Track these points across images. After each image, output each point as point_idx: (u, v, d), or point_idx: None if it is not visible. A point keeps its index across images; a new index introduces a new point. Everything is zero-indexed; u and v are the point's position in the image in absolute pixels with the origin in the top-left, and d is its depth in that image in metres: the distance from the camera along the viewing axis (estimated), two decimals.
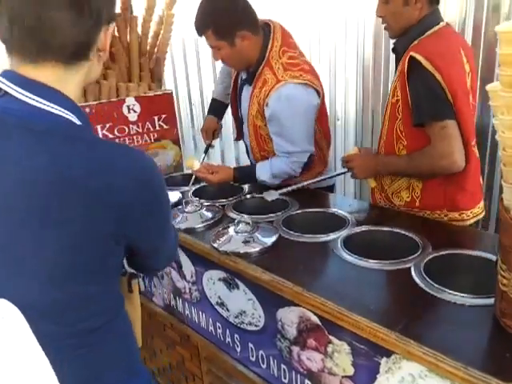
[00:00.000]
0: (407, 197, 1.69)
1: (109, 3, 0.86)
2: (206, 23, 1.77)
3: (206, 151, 2.40)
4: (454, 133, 1.48)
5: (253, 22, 1.82)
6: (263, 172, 1.93)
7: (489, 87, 0.87)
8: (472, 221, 1.67)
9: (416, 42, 1.54)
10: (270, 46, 1.84)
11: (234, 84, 2.16)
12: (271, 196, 1.77)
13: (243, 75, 2.04)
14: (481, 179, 1.71)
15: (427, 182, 1.62)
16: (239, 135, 2.29)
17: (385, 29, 1.67)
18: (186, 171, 2.39)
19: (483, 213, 1.73)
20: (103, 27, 0.84)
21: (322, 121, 2.04)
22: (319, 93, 1.89)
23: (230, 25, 1.77)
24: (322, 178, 1.90)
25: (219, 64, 3.67)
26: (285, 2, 2.92)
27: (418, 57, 1.46)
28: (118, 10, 2.33)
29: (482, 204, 1.71)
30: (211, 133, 2.39)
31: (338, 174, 1.94)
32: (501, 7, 2.17)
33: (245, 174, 1.98)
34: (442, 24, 1.58)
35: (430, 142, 1.52)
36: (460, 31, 2.28)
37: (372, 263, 1.29)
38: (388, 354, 1.05)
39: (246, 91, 2.01)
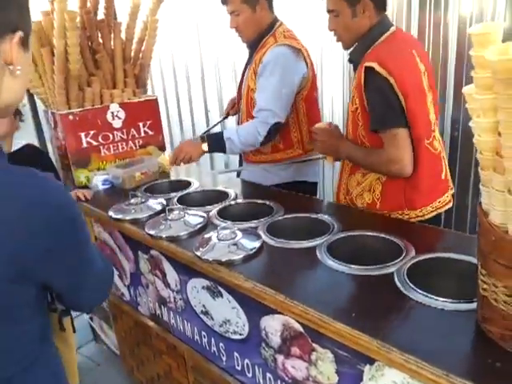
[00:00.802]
0: (368, 199, 1.71)
1: (8, 6, 0.71)
2: None
3: (224, 119, 2.68)
4: (404, 140, 1.54)
5: None
6: (229, 132, 2.07)
7: (465, 90, 0.86)
8: (432, 214, 1.68)
9: (369, 51, 1.59)
10: (278, 24, 2.10)
11: (242, 77, 2.30)
12: (220, 171, 1.87)
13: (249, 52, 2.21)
14: (443, 172, 1.72)
15: (386, 184, 1.66)
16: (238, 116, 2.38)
17: (337, 41, 1.72)
18: (172, 178, 2.37)
19: (448, 205, 1.73)
20: (6, 36, 0.71)
21: (310, 106, 2.15)
22: (309, 67, 2.07)
23: None
24: (292, 161, 2.04)
25: (207, 70, 3.71)
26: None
27: (372, 64, 1.50)
28: (101, 15, 2.32)
29: (445, 197, 1.71)
30: (233, 104, 2.52)
31: (310, 159, 2.05)
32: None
33: (213, 137, 2.11)
34: (391, 29, 1.63)
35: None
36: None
37: (354, 269, 1.27)
38: (371, 361, 1.04)
39: (248, 68, 2.17)
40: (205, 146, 2.09)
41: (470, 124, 0.88)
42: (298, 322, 1.20)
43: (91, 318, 2.80)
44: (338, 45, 2.69)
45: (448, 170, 1.76)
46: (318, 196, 2.52)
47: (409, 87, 1.51)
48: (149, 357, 2.10)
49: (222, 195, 1.99)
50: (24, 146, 2.17)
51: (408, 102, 1.50)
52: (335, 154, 1.79)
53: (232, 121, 2.73)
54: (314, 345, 1.19)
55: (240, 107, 2.28)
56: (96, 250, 0.94)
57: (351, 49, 1.72)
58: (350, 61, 1.75)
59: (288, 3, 2.82)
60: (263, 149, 2.18)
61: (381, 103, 1.53)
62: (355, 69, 1.70)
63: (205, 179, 2.38)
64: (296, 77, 2.02)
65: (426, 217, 1.66)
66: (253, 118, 2.11)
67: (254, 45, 2.13)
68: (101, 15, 2.33)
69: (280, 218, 1.68)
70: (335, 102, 2.91)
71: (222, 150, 2.09)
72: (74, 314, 2.80)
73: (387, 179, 1.66)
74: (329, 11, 1.64)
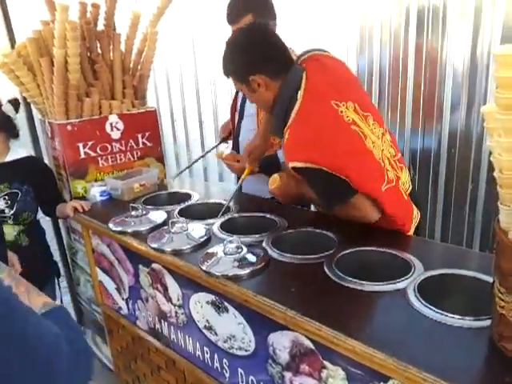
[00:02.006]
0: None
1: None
2: (248, 7, 1.93)
3: (218, 144, 2.60)
4: (362, 203, 1.54)
5: (276, 14, 2.05)
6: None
7: (484, 109, 0.87)
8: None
9: (286, 136, 1.53)
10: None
11: (237, 92, 2.28)
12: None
13: None
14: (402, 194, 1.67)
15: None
16: (234, 142, 2.35)
17: None
18: (171, 189, 2.35)
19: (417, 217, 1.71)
20: None
21: None
22: None
23: (268, 14, 1.98)
24: None
25: (201, 81, 3.71)
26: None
27: (299, 165, 1.48)
28: (101, 26, 2.31)
29: (415, 212, 1.69)
30: (228, 130, 2.47)
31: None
32: None
33: (268, 160, 2.05)
34: (300, 93, 1.51)
35: None
36: None
37: (364, 284, 1.26)
38: (385, 379, 1.03)
39: None
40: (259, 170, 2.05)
41: (488, 143, 0.89)
42: (308, 338, 1.18)
43: (84, 331, 2.75)
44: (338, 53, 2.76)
45: (404, 189, 1.67)
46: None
47: (346, 162, 1.46)
48: (146, 373, 2.06)
49: (222, 208, 1.97)
50: (24, 158, 2.13)
51: (352, 178, 1.47)
52: (296, 200, 1.82)
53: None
54: (324, 362, 1.17)
55: (241, 125, 2.25)
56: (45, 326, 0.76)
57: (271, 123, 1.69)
58: (273, 134, 1.77)
59: (283, 13, 2.84)
60: None
61: (325, 188, 1.55)
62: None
63: (203, 191, 2.37)
64: None
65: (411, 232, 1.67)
66: (272, 144, 2.07)
67: None
68: (100, 26, 2.31)
69: (284, 231, 1.67)
70: None
71: (276, 171, 2.01)
72: None
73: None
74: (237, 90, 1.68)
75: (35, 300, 0.93)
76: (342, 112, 1.50)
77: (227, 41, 1.62)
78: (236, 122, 2.31)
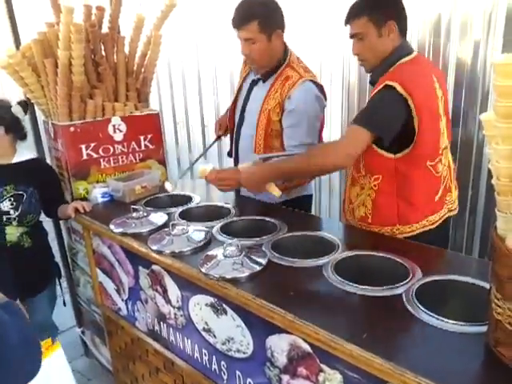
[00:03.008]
0: (362, 212, 1.75)
1: None
2: (253, 15, 1.93)
3: (215, 142, 2.60)
4: (363, 141, 1.59)
5: (284, 26, 2.07)
6: None
7: (483, 117, 0.88)
8: (419, 231, 1.70)
9: (391, 70, 1.64)
10: (290, 52, 2.11)
11: (236, 96, 2.30)
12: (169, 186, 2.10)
13: (254, 76, 2.20)
14: (439, 194, 1.73)
15: (377, 200, 1.70)
16: (231, 148, 2.36)
17: (360, 65, 1.78)
18: (172, 192, 2.36)
19: (436, 224, 1.74)
20: None
21: (321, 129, 2.22)
22: (326, 100, 2.16)
23: (273, 22, 1.99)
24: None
25: (204, 85, 3.73)
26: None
27: (393, 83, 1.55)
28: (105, 29, 2.33)
29: (435, 216, 1.73)
30: (224, 126, 2.47)
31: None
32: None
33: None
34: (413, 54, 1.70)
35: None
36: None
37: (363, 289, 1.27)
38: (381, 383, 1.03)
39: (259, 90, 2.15)
40: None
41: (487, 150, 0.90)
42: (306, 342, 1.19)
43: (83, 332, 2.76)
44: (338, 62, 2.78)
45: (448, 195, 1.78)
46: (313, 208, 2.54)
47: (425, 110, 1.55)
48: (144, 374, 2.07)
49: (223, 211, 1.99)
50: (30, 160, 2.15)
51: (421, 124, 1.55)
52: (264, 180, 1.80)
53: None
54: (322, 365, 1.18)
55: (241, 130, 2.24)
56: None
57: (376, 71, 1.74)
58: (372, 82, 1.77)
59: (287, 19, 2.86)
60: None
61: (380, 109, 1.59)
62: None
63: (204, 194, 2.38)
64: (321, 111, 2.12)
65: (415, 232, 1.70)
66: (270, 147, 2.09)
67: (268, 73, 2.10)
68: (105, 29, 2.33)
69: (284, 235, 1.68)
70: (333, 122, 2.94)
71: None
72: (63, 327, 2.76)
73: (377, 195, 1.70)
74: (353, 35, 1.70)
75: None
76: (435, 87, 1.65)
77: None
78: (236, 126, 2.30)
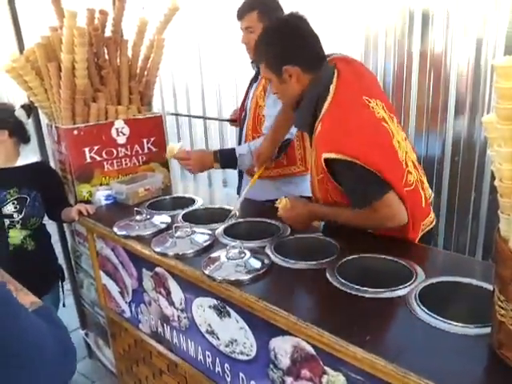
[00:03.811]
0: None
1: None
2: (254, 4, 2.06)
3: (227, 120, 2.69)
4: (394, 201, 1.46)
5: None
6: (242, 148, 2.09)
7: (485, 119, 0.88)
8: (420, 234, 1.65)
9: (319, 129, 1.51)
10: None
11: (245, 96, 2.36)
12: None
13: (255, 71, 2.27)
14: (422, 199, 1.65)
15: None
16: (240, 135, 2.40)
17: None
18: (175, 194, 2.37)
19: (432, 224, 1.71)
20: None
21: None
22: None
23: (272, 13, 2.04)
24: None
25: (207, 87, 3.74)
26: None
27: (332, 156, 1.43)
28: (108, 33, 2.34)
29: (428, 219, 1.68)
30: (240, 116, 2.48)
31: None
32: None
33: (224, 152, 2.12)
34: (332, 87, 1.52)
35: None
36: None
37: (366, 291, 1.27)
38: None
39: (254, 86, 2.23)
40: (217, 165, 2.11)
41: (489, 152, 0.90)
42: (309, 344, 1.19)
43: (86, 334, 2.77)
44: None
45: (426, 190, 1.68)
46: None
47: (377, 155, 1.42)
48: (148, 376, 2.07)
49: (226, 213, 1.99)
50: (34, 163, 2.16)
51: (384, 173, 1.42)
52: (309, 220, 1.68)
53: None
54: (325, 367, 1.18)
55: (244, 122, 2.31)
56: (36, 323, 0.79)
57: (296, 116, 1.67)
58: (298, 128, 1.74)
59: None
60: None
61: (358, 182, 1.46)
62: (310, 134, 1.65)
63: (207, 196, 2.39)
64: None
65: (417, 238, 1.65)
66: (259, 133, 2.15)
67: None
68: (108, 32, 2.35)
69: (287, 237, 1.69)
70: None
71: (233, 166, 2.14)
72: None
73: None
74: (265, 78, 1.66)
75: (23, 299, 0.96)
76: (373, 108, 1.50)
77: (267, 26, 1.64)
78: (242, 124, 2.35)
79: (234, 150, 2.13)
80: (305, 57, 1.54)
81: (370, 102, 1.50)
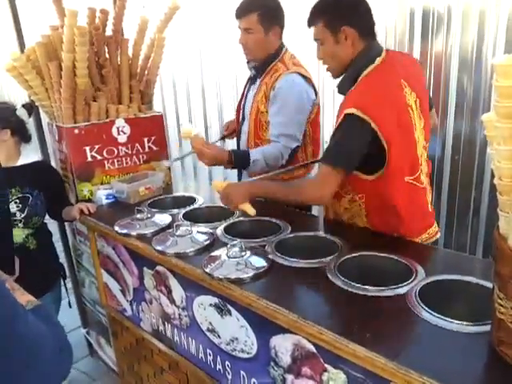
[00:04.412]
0: (362, 224, 1.71)
1: None
2: (256, 6, 2.05)
3: (218, 140, 2.66)
4: (338, 180, 1.56)
5: (283, 26, 2.16)
6: (256, 153, 2.08)
7: (484, 117, 0.89)
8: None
9: (354, 87, 1.57)
10: (284, 50, 2.18)
11: (241, 97, 2.35)
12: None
13: (251, 74, 2.27)
14: (428, 204, 1.72)
15: (369, 216, 1.68)
16: (238, 137, 2.41)
17: (326, 70, 1.72)
18: (176, 193, 2.37)
19: (436, 236, 1.74)
20: None
21: (315, 129, 2.24)
22: (316, 95, 2.16)
23: (273, 17, 2.09)
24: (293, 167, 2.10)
25: (207, 86, 3.75)
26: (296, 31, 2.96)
27: (352, 111, 1.47)
28: (109, 32, 2.34)
29: (433, 228, 1.72)
30: (232, 129, 2.53)
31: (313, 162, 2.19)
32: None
33: (239, 155, 2.10)
34: (378, 60, 1.57)
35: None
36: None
37: (367, 289, 1.28)
38: (386, 382, 1.04)
39: (254, 87, 2.22)
40: (228, 166, 2.13)
41: (489, 150, 0.90)
42: (310, 341, 1.20)
43: (88, 333, 2.77)
44: None
45: (430, 206, 1.75)
46: (313, 208, 2.54)
47: (393, 129, 1.48)
48: (149, 374, 2.08)
49: (226, 211, 1.99)
50: (35, 162, 2.16)
51: (390, 143, 1.47)
52: (248, 195, 1.73)
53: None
54: (326, 365, 1.19)
55: (242, 128, 2.30)
56: (33, 322, 0.80)
57: (341, 81, 1.69)
58: (340, 93, 1.72)
59: (290, 25, 2.87)
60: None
61: (348, 141, 1.52)
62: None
63: (207, 195, 2.39)
64: (308, 103, 2.11)
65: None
66: (261, 139, 2.16)
67: (261, 67, 2.17)
68: (109, 31, 2.35)
69: (287, 236, 1.69)
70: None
71: (245, 168, 2.14)
72: (68, 328, 2.78)
73: (368, 212, 1.67)
74: (315, 40, 1.65)
75: (20, 298, 0.97)
76: (405, 93, 1.56)
77: None
78: (239, 126, 2.35)
79: (247, 153, 2.09)
80: (363, 22, 1.59)
81: (405, 87, 1.56)
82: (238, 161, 2.08)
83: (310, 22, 1.64)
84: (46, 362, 0.81)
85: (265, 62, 2.14)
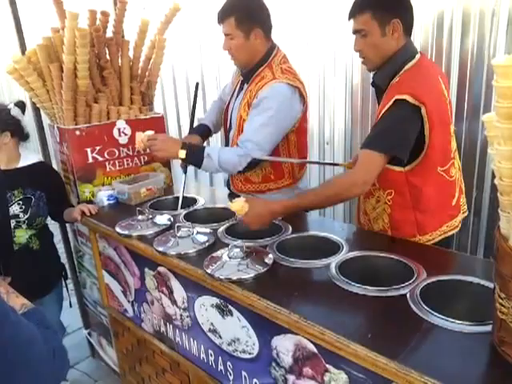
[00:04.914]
0: (381, 225, 1.72)
1: None
2: (231, 10, 1.95)
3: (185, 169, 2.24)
4: (381, 166, 1.53)
5: (269, 26, 2.04)
6: (213, 150, 1.98)
7: (485, 118, 0.89)
8: (440, 238, 1.69)
9: (397, 80, 1.59)
10: (274, 53, 2.04)
11: (227, 105, 2.25)
12: None
13: (240, 79, 2.17)
14: (455, 198, 1.73)
15: (393, 215, 1.68)
16: (226, 145, 2.31)
17: (362, 63, 1.71)
18: (177, 194, 2.37)
19: (455, 230, 1.75)
20: None
21: (299, 136, 2.12)
22: (304, 104, 2.02)
23: (251, 19, 1.96)
24: (306, 161, 2.08)
25: (208, 88, 3.75)
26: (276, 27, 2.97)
27: (403, 96, 1.49)
28: (110, 33, 2.35)
29: (453, 222, 1.73)
30: (225, 122, 2.36)
31: (326, 163, 2.18)
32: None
33: (193, 146, 2.01)
34: (417, 56, 1.63)
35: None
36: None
37: (367, 289, 1.28)
38: (387, 382, 1.04)
39: (239, 96, 2.14)
40: (182, 153, 1.96)
41: (489, 151, 0.91)
42: (311, 342, 1.20)
43: (89, 334, 2.78)
44: (341, 65, 2.78)
45: (462, 197, 1.78)
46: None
47: (436, 118, 1.52)
48: (151, 375, 2.08)
49: (227, 212, 1.99)
50: (36, 163, 2.17)
51: (432, 131, 1.52)
52: (271, 219, 1.65)
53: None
54: (327, 365, 1.19)
55: (229, 136, 2.23)
56: (26, 326, 0.80)
57: (374, 72, 1.71)
58: (374, 84, 1.74)
59: (289, 27, 2.88)
60: (253, 178, 2.13)
61: (397, 125, 1.52)
62: (378, 93, 1.72)
63: (208, 196, 2.40)
64: (289, 117, 1.99)
65: (436, 240, 1.68)
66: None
67: (248, 74, 2.07)
68: (109, 33, 2.35)
69: (289, 236, 1.69)
70: (336, 125, 2.95)
71: (198, 164, 1.99)
72: (69, 329, 2.78)
73: (393, 210, 1.67)
74: (356, 31, 1.63)
75: (14, 301, 0.97)
76: (443, 89, 1.62)
77: None
78: (227, 132, 2.27)
79: (203, 147, 2.01)
80: (408, 18, 1.62)
81: (442, 84, 1.62)
82: (191, 153, 1.96)
83: (355, 13, 1.62)
84: (36, 362, 0.81)
85: (253, 67, 2.03)
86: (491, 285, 1.05)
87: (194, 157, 1.98)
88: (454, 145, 1.70)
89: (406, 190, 1.63)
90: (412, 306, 1.19)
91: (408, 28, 1.63)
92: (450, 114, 1.68)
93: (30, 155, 2.18)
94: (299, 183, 2.21)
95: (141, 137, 2.04)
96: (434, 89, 1.58)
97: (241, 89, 2.16)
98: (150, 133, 2.06)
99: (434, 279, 1.31)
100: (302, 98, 2.00)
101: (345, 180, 1.61)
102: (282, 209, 1.61)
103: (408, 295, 1.24)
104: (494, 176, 0.92)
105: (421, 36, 2.42)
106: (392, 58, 1.62)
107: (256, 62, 2.03)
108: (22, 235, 2.04)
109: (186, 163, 2.10)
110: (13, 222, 2.01)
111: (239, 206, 1.59)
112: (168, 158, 2.13)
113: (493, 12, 2.15)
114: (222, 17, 1.98)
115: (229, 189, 2.32)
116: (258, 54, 2.02)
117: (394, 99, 1.51)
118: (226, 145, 2.27)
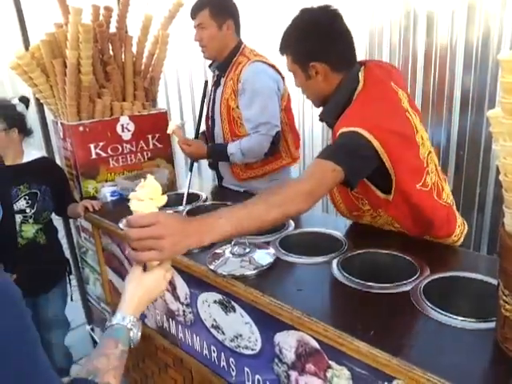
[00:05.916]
0: (395, 229, 1.66)
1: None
2: (207, 2, 2.08)
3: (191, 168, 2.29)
4: (330, 185, 1.34)
5: (239, 22, 2.19)
6: (233, 146, 2.12)
7: (490, 114, 0.88)
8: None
9: (347, 111, 1.44)
10: (243, 46, 2.21)
11: (208, 103, 2.35)
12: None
13: (214, 74, 2.31)
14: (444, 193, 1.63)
15: (399, 221, 1.59)
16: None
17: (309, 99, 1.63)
18: (180, 190, 2.38)
19: (461, 239, 1.68)
20: None
21: (288, 114, 2.26)
22: (282, 78, 2.17)
23: (224, 11, 2.11)
24: None
25: (211, 83, 3.73)
26: (257, 29, 2.98)
27: (346, 129, 1.35)
28: (113, 29, 2.34)
29: (457, 231, 1.66)
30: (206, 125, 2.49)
31: None
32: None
33: (217, 149, 2.21)
34: (361, 77, 1.47)
35: None
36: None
37: (370, 286, 1.28)
38: (389, 379, 1.04)
39: (218, 90, 2.24)
40: (209, 160, 2.24)
41: (494, 147, 0.90)
42: (314, 338, 1.20)
43: (92, 329, 2.79)
44: None
45: (440, 198, 1.59)
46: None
47: (394, 144, 1.35)
48: (154, 371, 2.09)
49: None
50: (39, 158, 2.18)
51: (392, 160, 1.37)
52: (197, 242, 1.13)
53: None
54: (330, 362, 1.19)
55: (214, 132, 2.31)
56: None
57: (324, 110, 1.57)
58: (321, 120, 1.61)
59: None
60: (252, 163, 2.23)
61: (342, 144, 1.36)
62: (330, 126, 1.57)
63: (210, 192, 2.40)
64: (275, 87, 2.12)
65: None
66: (237, 135, 2.17)
67: (224, 64, 2.19)
68: (113, 29, 2.35)
69: (291, 233, 1.69)
70: (314, 127, 2.95)
71: (225, 160, 2.20)
72: (73, 325, 2.80)
73: (399, 221, 1.59)
74: (289, 70, 1.56)
75: None
76: (400, 96, 1.47)
77: (296, 17, 1.49)
78: (210, 131, 2.36)
79: (226, 147, 2.16)
80: (334, 55, 1.47)
81: (397, 90, 1.48)
82: (216, 156, 2.20)
83: (281, 53, 1.54)
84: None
85: (226, 58, 2.17)
86: (495, 282, 1.04)
87: (220, 158, 2.22)
88: (425, 152, 1.50)
89: (396, 209, 1.53)
90: (415, 302, 1.18)
91: (340, 65, 1.48)
92: (414, 110, 1.50)
93: (32, 151, 2.18)
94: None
95: (173, 125, 2.16)
96: (386, 110, 1.41)
97: (218, 83, 2.25)
98: (179, 123, 2.26)
99: (437, 276, 1.30)
100: (280, 74, 2.15)
101: (299, 188, 1.29)
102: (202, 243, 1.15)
103: (411, 292, 1.23)
104: (498, 172, 0.92)
105: (424, 30, 2.40)
106: (332, 98, 1.50)
107: (229, 54, 2.15)
108: (29, 230, 2.06)
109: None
110: (20, 217, 2.02)
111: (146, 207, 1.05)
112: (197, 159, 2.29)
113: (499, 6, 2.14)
114: (196, 10, 2.10)
115: (219, 180, 2.43)
116: (227, 47, 2.17)
117: (341, 132, 1.37)
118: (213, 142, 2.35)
